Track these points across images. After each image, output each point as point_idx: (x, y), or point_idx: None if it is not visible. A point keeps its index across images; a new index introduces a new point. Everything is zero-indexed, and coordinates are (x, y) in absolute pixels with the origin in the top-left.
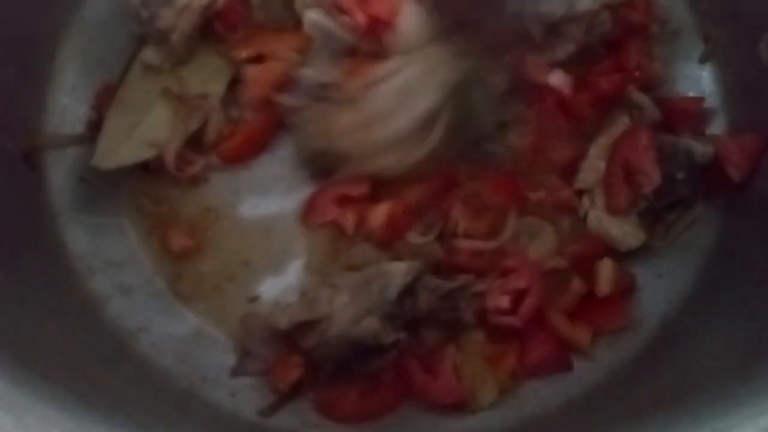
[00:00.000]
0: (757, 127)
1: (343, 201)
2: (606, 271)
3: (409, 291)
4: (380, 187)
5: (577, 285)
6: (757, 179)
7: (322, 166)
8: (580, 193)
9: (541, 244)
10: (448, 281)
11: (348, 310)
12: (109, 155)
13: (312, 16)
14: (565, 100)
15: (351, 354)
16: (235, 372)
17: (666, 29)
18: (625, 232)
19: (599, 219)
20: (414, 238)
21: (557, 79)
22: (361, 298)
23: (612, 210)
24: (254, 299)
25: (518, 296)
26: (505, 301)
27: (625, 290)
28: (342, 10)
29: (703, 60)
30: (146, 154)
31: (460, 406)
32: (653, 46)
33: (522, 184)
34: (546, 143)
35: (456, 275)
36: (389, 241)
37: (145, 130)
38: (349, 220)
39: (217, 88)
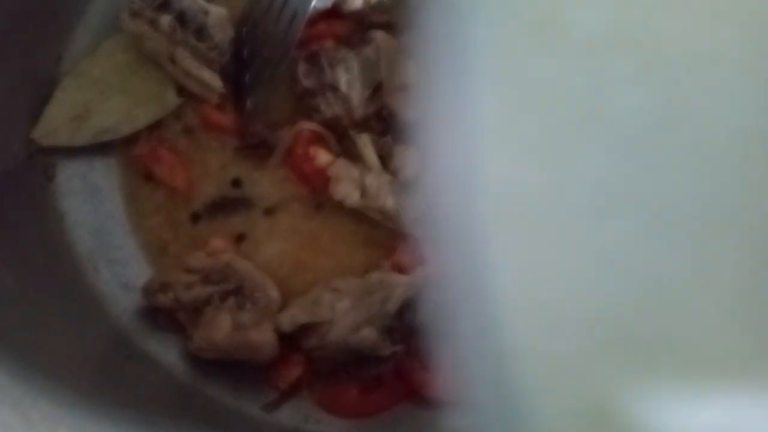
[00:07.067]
0: None
1: None
2: None
3: (410, 304)
4: None
5: None
6: None
7: None
8: None
9: None
10: None
11: (348, 317)
12: (49, 133)
13: None
14: None
15: (349, 359)
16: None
17: None
18: None
19: None
20: None
21: None
22: (362, 307)
23: None
24: None
25: None
26: None
27: None
28: None
29: None
30: (85, 140)
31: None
32: None
33: None
34: None
35: None
36: None
37: (96, 113)
38: None
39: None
